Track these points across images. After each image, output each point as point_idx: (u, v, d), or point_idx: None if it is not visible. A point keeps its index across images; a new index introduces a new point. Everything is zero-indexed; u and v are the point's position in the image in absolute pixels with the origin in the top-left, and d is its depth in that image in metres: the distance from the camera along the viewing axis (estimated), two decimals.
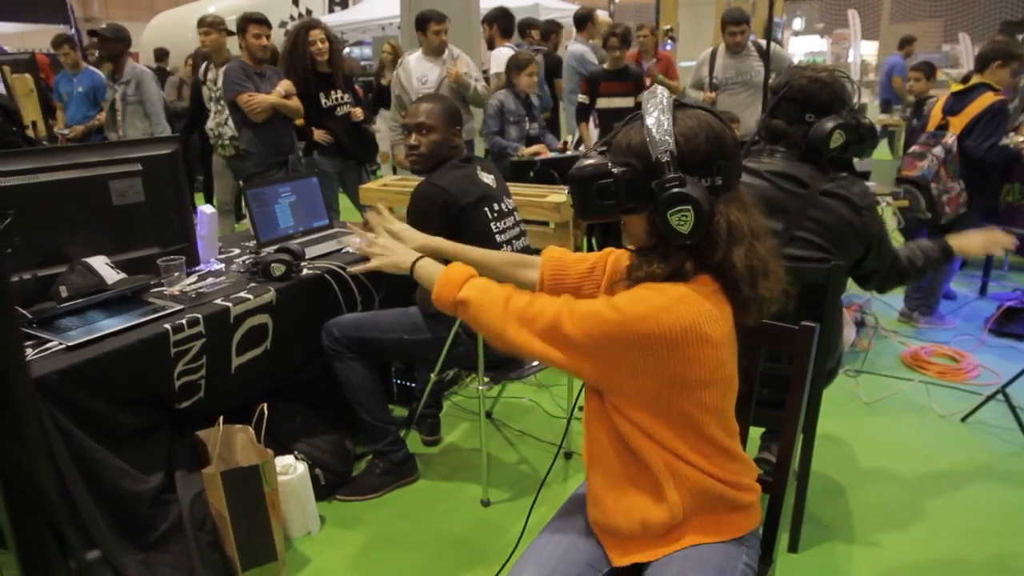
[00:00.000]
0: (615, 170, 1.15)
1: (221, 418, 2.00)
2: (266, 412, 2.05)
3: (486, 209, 2.28)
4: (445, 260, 1.45)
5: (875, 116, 8.68)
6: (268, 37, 4.02)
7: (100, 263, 2.08)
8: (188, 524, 1.91)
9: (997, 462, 2.55)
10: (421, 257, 1.43)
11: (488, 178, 2.36)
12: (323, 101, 4.15)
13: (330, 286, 2.43)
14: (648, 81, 5.15)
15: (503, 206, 2.36)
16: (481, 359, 2.21)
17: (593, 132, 4.98)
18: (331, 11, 12.06)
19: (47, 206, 2.03)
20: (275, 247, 2.42)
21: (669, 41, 7.85)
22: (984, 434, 2.74)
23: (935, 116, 3.73)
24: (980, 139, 3.46)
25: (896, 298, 3.93)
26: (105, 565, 1.73)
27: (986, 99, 3.47)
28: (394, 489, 2.43)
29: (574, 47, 5.44)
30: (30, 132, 6.71)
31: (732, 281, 1.16)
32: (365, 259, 1.51)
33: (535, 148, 4.43)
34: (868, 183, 2.69)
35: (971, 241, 2.00)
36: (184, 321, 1.96)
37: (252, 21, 3.95)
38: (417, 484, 2.48)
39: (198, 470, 1.97)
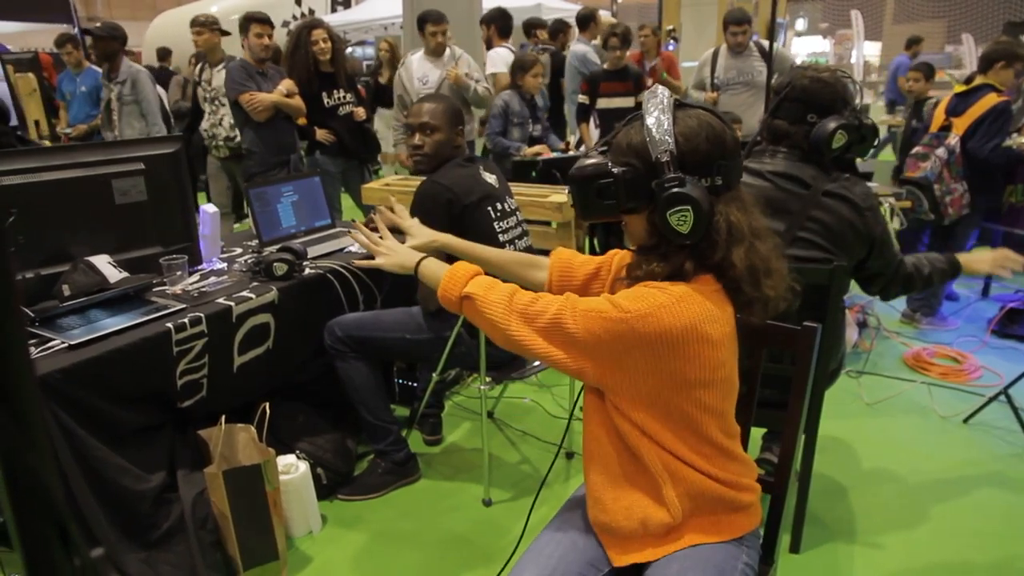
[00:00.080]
0: (615, 170, 1.15)
1: (223, 417, 2.00)
2: (268, 411, 2.05)
3: (489, 208, 2.28)
4: (450, 259, 1.46)
5: (880, 117, 8.66)
6: (270, 36, 4.03)
7: (103, 262, 2.08)
8: (190, 523, 1.92)
9: (999, 463, 2.55)
10: (425, 257, 1.43)
11: (491, 178, 2.36)
12: (325, 101, 4.16)
13: (332, 285, 2.43)
14: (650, 81, 5.15)
15: (506, 206, 2.36)
16: (483, 359, 2.21)
17: (594, 132, 4.97)
18: (334, 11, 12.07)
19: (50, 205, 2.04)
20: (277, 246, 2.43)
21: (672, 41, 7.85)
22: (986, 435, 2.74)
23: (938, 117, 3.72)
24: (983, 140, 3.45)
25: (898, 299, 3.93)
26: (109, 563, 1.74)
27: (990, 100, 3.47)
28: (396, 489, 2.43)
29: (577, 47, 5.44)
30: (32, 132, 6.74)
31: (733, 281, 1.16)
32: (369, 256, 1.52)
33: (537, 148, 4.44)
34: (870, 184, 2.68)
35: (981, 260, 1.97)
36: (186, 320, 1.96)
37: (254, 20, 3.96)
38: (419, 484, 2.48)
39: (200, 469, 1.98)
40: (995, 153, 3.45)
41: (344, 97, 4.22)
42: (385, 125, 5.77)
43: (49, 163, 2.04)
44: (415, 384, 2.88)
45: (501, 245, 2.27)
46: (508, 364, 2.38)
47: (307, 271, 2.39)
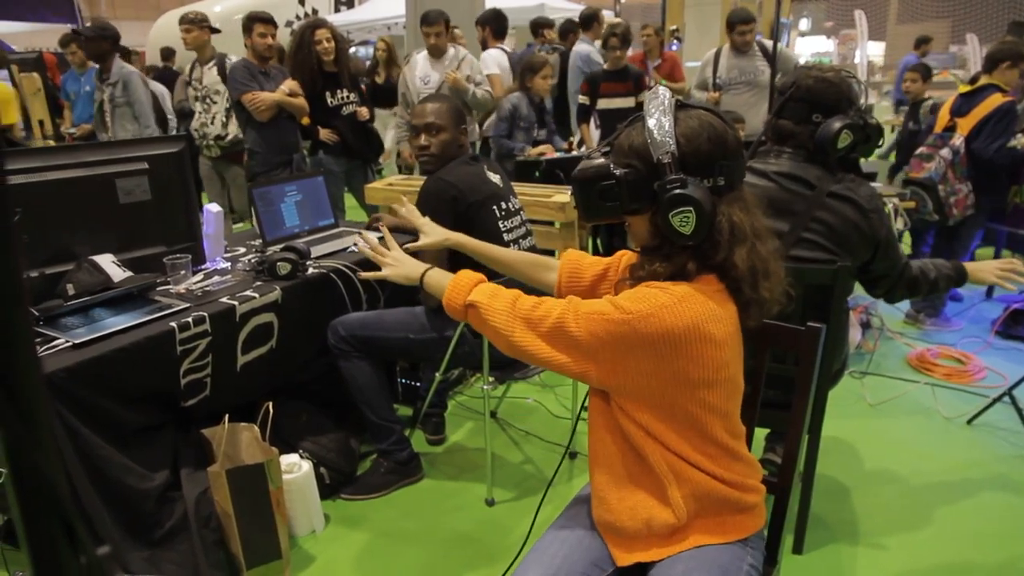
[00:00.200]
0: (617, 172, 1.15)
1: (226, 416, 2.00)
2: (271, 410, 2.05)
3: (494, 207, 2.28)
4: (454, 267, 1.46)
5: (886, 117, 8.63)
6: (274, 36, 4.03)
7: (107, 261, 2.09)
8: (193, 522, 1.92)
9: (1003, 465, 2.54)
10: (430, 268, 1.44)
11: (495, 177, 2.36)
12: (329, 100, 4.16)
13: (336, 285, 2.43)
14: (650, 80, 5.13)
15: (510, 205, 2.37)
16: (486, 359, 2.21)
17: (594, 133, 4.96)
18: (337, 10, 12.08)
19: (54, 205, 2.04)
20: (281, 246, 2.43)
21: (675, 41, 7.84)
22: (990, 436, 2.73)
23: (943, 117, 3.71)
24: (988, 141, 3.44)
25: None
26: (115, 561, 1.74)
27: (994, 100, 3.46)
28: (399, 488, 2.43)
29: (580, 47, 5.43)
30: (37, 132, 6.74)
31: (734, 281, 1.16)
32: (375, 265, 1.53)
33: (541, 148, 4.43)
34: (874, 184, 2.68)
35: (986, 270, 1.96)
36: (190, 319, 1.96)
37: (257, 20, 3.96)
38: (422, 483, 2.48)
39: (203, 468, 1.98)
40: (1000, 153, 3.44)
41: (348, 97, 4.22)
42: (382, 124, 5.75)
43: (53, 163, 2.05)
44: (418, 384, 2.88)
45: (506, 244, 2.27)
46: (511, 364, 2.38)
47: (311, 271, 2.39)
